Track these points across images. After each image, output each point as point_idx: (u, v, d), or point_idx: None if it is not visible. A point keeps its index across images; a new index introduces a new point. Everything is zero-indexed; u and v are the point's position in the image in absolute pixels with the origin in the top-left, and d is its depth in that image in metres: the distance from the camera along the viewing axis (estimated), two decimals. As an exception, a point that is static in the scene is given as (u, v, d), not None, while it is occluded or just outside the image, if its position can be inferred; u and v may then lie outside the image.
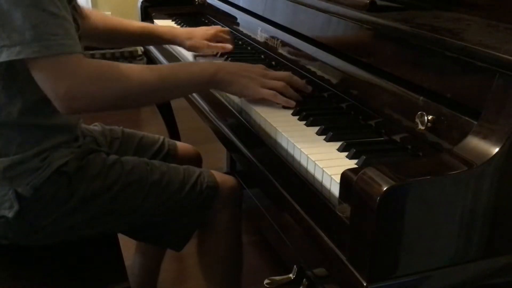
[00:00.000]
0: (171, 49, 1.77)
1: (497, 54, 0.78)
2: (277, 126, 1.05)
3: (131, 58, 3.64)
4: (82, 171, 1.15)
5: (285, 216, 1.00)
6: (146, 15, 2.12)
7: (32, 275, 1.14)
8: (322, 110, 1.15)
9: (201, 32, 1.56)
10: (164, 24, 1.93)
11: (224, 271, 1.38)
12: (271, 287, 1.45)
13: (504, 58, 0.77)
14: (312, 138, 1.02)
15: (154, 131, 1.61)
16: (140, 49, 3.50)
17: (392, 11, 1.11)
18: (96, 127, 1.39)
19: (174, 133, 2.19)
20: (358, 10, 1.12)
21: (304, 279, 1.42)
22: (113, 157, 1.22)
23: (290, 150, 0.99)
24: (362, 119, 1.08)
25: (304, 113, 1.10)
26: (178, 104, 2.12)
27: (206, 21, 2.02)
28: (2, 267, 1.16)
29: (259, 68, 1.21)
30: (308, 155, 0.93)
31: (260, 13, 1.58)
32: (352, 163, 0.91)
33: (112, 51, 3.54)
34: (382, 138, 1.01)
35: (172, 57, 1.73)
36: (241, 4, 1.74)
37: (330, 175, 0.86)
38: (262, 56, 1.51)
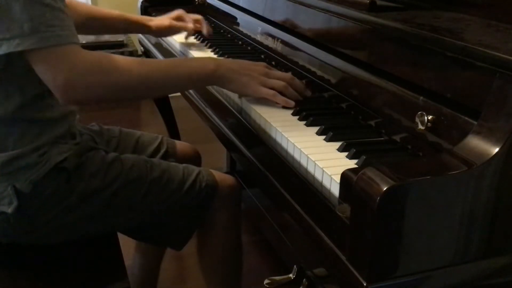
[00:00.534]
0: (169, 48, 1.77)
1: (497, 54, 0.78)
2: (277, 126, 1.05)
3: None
4: (82, 168, 1.15)
5: (285, 216, 1.00)
6: (146, 15, 2.11)
7: (32, 275, 1.14)
8: (322, 110, 1.15)
9: (166, 15, 1.68)
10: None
11: (224, 271, 1.38)
12: (271, 287, 1.45)
13: (504, 58, 0.77)
14: (312, 138, 1.02)
15: (154, 131, 1.61)
16: (140, 49, 3.50)
17: (392, 11, 1.11)
18: (93, 127, 1.39)
19: (174, 133, 2.20)
20: (358, 10, 1.12)
21: (304, 279, 1.42)
22: (112, 154, 1.22)
23: (290, 150, 0.99)
24: (362, 119, 1.08)
25: (304, 113, 1.10)
26: (178, 104, 2.13)
27: (206, 21, 2.01)
28: (2, 267, 1.16)
29: (261, 66, 1.20)
30: (308, 155, 0.93)
31: (260, 13, 1.58)
32: (352, 163, 0.91)
33: (112, 50, 3.53)
34: (382, 138, 1.01)
35: (168, 53, 1.73)
36: (241, 4, 1.74)
37: (330, 175, 0.86)
38: (262, 56, 1.51)
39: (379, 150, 0.96)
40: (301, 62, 1.33)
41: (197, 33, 1.74)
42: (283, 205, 0.97)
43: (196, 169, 1.28)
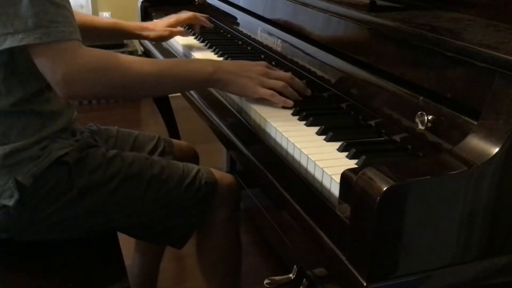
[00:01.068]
0: (170, 48, 1.77)
1: (497, 54, 0.78)
2: (277, 126, 1.05)
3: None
4: (83, 162, 1.16)
5: (285, 216, 1.00)
6: (146, 15, 2.12)
7: (32, 274, 1.14)
8: (322, 110, 1.15)
9: (163, 22, 1.64)
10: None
11: (223, 270, 1.38)
12: (271, 287, 1.45)
13: (504, 58, 0.77)
14: (312, 138, 1.02)
15: (154, 131, 1.61)
16: (140, 49, 3.50)
17: (392, 11, 1.11)
18: (91, 127, 1.40)
19: (174, 133, 2.20)
20: (358, 10, 1.12)
21: (304, 279, 1.42)
22: (113, 151, 1.23)
23: (290, 150, 0.99)
24: (362, 119, 1.08)
25: (304, 113, 1.10)
26: (178, 104, 2.13)
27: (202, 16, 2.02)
28: (2, 265, 1.16)
29: (261, 66, 1.20)
30: (308, 155, 0.93)
31: (260, 13, 1.58)
32: (352, 163, 0.91)
33: (111, 50, 3.53)
34: (382, 138, 1.01)
35: (169, 54, 1.73)
36: (241, 4, 1.74)
37: (330, 175, 0.86)
38: (262, 56, 1.51)
39: (379, 150, 0.96)
40: (301, 62, 1.33)
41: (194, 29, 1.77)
42: (283, 205, 0.97)
43: (195, 167, 1.28)
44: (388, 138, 1.00)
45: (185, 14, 1.69)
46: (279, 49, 1.44)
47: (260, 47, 1.55)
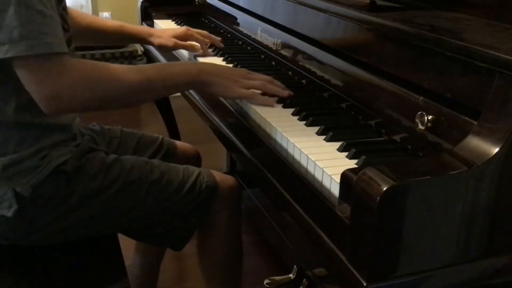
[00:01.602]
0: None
1: (497, 54, 0.78)
2: (277, 126, 1.05)
3: (131, 58, 3.64)
4: (81, 170, 1.15)
5: (285, 216, 1.00)
6: (146, 15, 2.12)
7: (32, 276, 1.14)
8: (322, 110, 1.15)
9: (171, 31, 1.61)
10: (164, 24, 1.94)
11: (224, 271, 1.38)
12: (271, 287, 1.45)
13: (504, 58, 0.77)
14: (312, 138, 1.02)
15: (154, 131, 1.61)
16: (140, 49, 3.50)
17: (392, 11, 1.11)
18: (94, 127, 1.39)
19: (174, 133, 2.19)
20: (358, 10, 1.12)
21: (304, 279, 1.42)
22: (112, 156, 1.22)
23: (290, 150, 0.99)
24: (362, 119, 1.08)
25: (304, 113, 1.10)
26: (178, 104, 2.13)
27: (206, 21, 2.02)
28: (2, 268, 1.16)
29: (242, 71, 1.23)
30: (308, 155, 0.93)
31: (260, 13, 1.58)
32: (352, 163, 0.91)
33: (112, 51, 3.53)
34: (382, 138, 1.01)
35: (172, 57, 1.73)
36: (241, 4, 1.74)
37: (330, 175, 0.86)
38: (262, 56, 1.51)
39: (379, 150, 0.96)
40: (301, 62, 1.33)
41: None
42: (283, 205, 0.97)
43: (196, 170, 1.28)
44: (388, 138, 1.00)
45: (196, 30, 1.63)
46: (279, 49, 1.44)
47: (260, 47, 1.55)
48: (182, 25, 1.89)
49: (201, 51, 1.58)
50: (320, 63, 1.25)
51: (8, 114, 1.09)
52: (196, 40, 1.59)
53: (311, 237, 0.87)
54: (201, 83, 1.18)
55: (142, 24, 2.09)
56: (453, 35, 0.89)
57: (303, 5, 1.34)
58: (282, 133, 1.02)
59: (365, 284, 0.73)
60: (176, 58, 1.71)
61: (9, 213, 1.09)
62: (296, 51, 1.36)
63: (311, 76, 1.28)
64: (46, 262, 1.17)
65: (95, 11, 3.60)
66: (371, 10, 1.10)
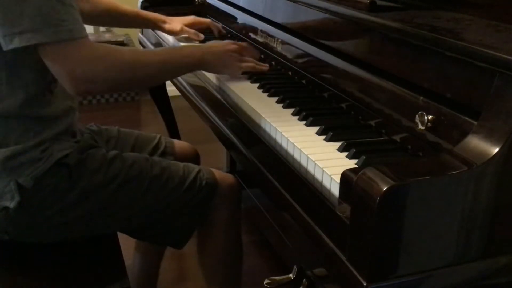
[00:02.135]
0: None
1: (497, 54, 0.78)
2: (277, 126, 1.05)
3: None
4: (83, 164, 1.16)
5: (285, 216, 1.00)
6: (147, 15, 2.11)
7: (32, 275, 1.14)
8: (322, 110, 1.15)
9: (180, 19, 1.76)
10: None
11: (224, 270, 1.38)
12: (271, 287, 1.45)
13: (504, 58, 0.77)
14: (312, 138, 1.02)
15: (154, 131, 1.61)
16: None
17: (392, 11, 1.11)
18: (92, 127, 1.40)
19: (174, 133, 2.19)
20: (358, 10, 1.12)
21: (304, 279, 1.42)
22: (113, 152, 1.23)
23: (290, 150, 0.99)
24: (362, 119, 1.08)
25: (304, 113, 1.10)
26: (178, 104, 2.13)
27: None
28: (2, 266, 1.16)
29: (234, 44, 1.35)
30: (308, 155, 0.93)
31: (260, 13, 1.58)
32: (352, 163, 0.91)
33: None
34: (382, 138, 1.01)
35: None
36: (241, 4, 1.74)
37: (330, 175, 0.86)
38: (262, 56, 1.51)
39: (379, 150, 0.96)
40: (301, 62, 1.33)
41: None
42: (283, 205, 0.97)
43: (196, 168, 1.28)
44: (388, 138, 1.00)
45: (202, 18, 1.81)
46: (279, 49, 1.44)
47: (260, 47, 1.55)
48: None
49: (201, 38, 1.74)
50: (320, 63, 1.25)
51: (12, 107, 1.11)
52: (201, 28, 1.76)
53: (311, 237, 0.87)
54: (205, 63, 1.29)
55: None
56: (453, 35, 0.89)
57: (303, 5, 1.34)
58: (282, 133, 1.03)
59: (365, 284, 0.73)
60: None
61: (11, 205, 1.10)
62: (296, 51, 1.36)
63: (311, 76, 1.28)
64: (46, 262, 1.17)
65: (95, 11, 3.60)
66: (371, 10, 1.10)
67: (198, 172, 1.27)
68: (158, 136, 1.50)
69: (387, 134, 1.01)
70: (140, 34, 2.17)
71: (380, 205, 0.69)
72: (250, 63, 1.35)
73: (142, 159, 1.25)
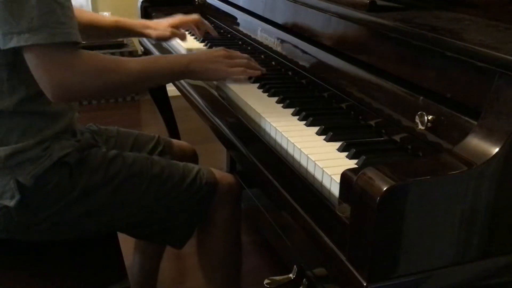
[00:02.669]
0: (170, 49, 1.77)
1: (497, 54, 0.78)
2: (277, 126, 1.05)
3: (131, 57, 3.64)
4: (84, 163, 1.16)
5: (285, 216, 1.00)
6: (146, 15, 2.12)
7: (32, 274, 1.14)
8: (322, 110, 1.15)
9: (167, 21, 1.63)
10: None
11: (224, 269, 1.38)
12: (271, 287, 1.45)
13: (504, 58, 0.77)
14: (312, 138, 1.02)
15: (154, 131, 1.61)
16: (140, 49, 3.50)
17: (392, 11, 1.11)
18: (91, 127, 1.40)
19: (174, 133, 2.19)
20: (358, 10, 1.12)
21: (304, 279, 1.42)
22: (113, 151, 1.24)
23: (290, 150, 0.99)
24: (362, 119, 1.08)
25: (304, 113, 1.10)
26: (178, 104, 2.12)
27: (206, 21, 2.01)
28: (2, 265, 1.16)
29: (222, 50, 1.31)
30: (308, 155, 0.93)
31: (260, 13, 1.58)
32: (352, 163, 0.91)
33: (112, 50, 3.53)
34: (382, 138, 1.01)
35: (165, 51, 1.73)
36: (241, 4, 1.74)
37: (330, 175, 0.86)
38: (262, 56, 1.51)
39: (379, 150, 0.96)
40: (301, 62, 1.33)
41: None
42: (283, 205, 0.97)
43: (196, 167, 1.28)
44: (388, 138, 1.00)
45: (190, 17, 1.67)
46: (279, 49, 1.44)
47: (260, 47, 1.56)
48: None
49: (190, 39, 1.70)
50: (320, 63, 1.25)
51: (13, 104, 1.11)
52: (190, 27, 1.68)
53: (311, 237, 0.87)
54: (192, 72, 1.26)
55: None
56: (453, 35, 0.89)
57: (303, 5, 1.34)
58: (282, 133, 1.02)
59: (365, 284, 0.73)
60: (170, 53, 1.73)
61: (11, 203, 1.10)
62: (296, 51, 1.36)
63: (311, 76, 1.28)
64: (46, 262, 1.17)
65: (95, 11, 3.60)
66: (371, 10, 1.10)
67: (198, 171, 1.27)
68: (157, 136, 1.50)
69: (387, 134, 1.01)
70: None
71: (380, 205, 0.69)
72: (240, 68, 1.31)
73: (142, 158, 1.25)
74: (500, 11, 0.99)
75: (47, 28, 1.00)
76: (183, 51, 1.66)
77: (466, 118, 0.83)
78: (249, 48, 1.62)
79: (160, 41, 1.71)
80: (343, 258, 0.78)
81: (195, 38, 1.75)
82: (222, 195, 1.28)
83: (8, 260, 1.18)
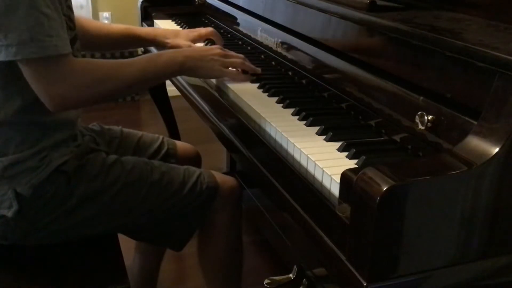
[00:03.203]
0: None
1: (497, 54, 0.78)
2: (277, 126, 1.05)
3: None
4: (82, 170, 1.15)
5: (285, 216, 1.00)
6: (146, 15, 2.12)
7: (32, 276, 1.14)
8: (322, 110, 1.15)
9: (185, 33, 1.56)
10: (164, 24, 1.94)
11: (224, 271, 1.38)
12: (271, 287, 1.45)
13: (504, 58, 0.77)
14: (312, 138, 1.02)
15: (154, 131, 1.61)
16: (140, 50, 3.50)
17: (392, 11, 1.11)
18: (94, 127, 1.40)
19: (174, 133, 2.19)
20: (358, 10, 1.12)
21: (304, 279, 1.42)
22: (112, 156, 1.23)
23: (290, 150, 0.99)
24: (362, 119, 1.08)
25: (304, 113, 1.10)
26: (178, 104, 2.13)
27: (206, 21, 2.02)
28: (2, 268, 1.16)
29: (217, 49, 1.30)
30: (308, 155, 0.93)
31: (260, 13, 1.58)
32: (352, 163, 0.91)
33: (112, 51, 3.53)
34: (382, 138, 1.01)
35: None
36: (241, 4, 1.74)
37: (330, 175, 0.86)
38: (262, 56, 1.51)
39: (379, 150, 0.96)
40: (301, 62, 1.33)
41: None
42: (283, 205, 0.97)
43: (197, 171, 1.28)
44: (388, 138, 1.00)
45: (205, 29, 1.58)
46: (279, 49, 1.44)
47: (260, 47, 1.55)
48: (182, 25, 1.90)
49: None
50: (320, 63, 1.25)
51: (10, 114, 1.10)
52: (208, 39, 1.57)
53: (311, 237, 0.87)
54: (187, 69, 1.25)
55: (142, 25, 2.09)
56: (453, 35, 0.89)
57: (303, 5, 1.33)
58: (282, 133, 1.02)
59: (365, 284, 0.73)
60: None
61: (9, 213, 1.09)
62: (296, 51, 1.36)
63: (311, 76, 1.28)
64: (46, 263, 1.17)
65: (95, 11, 3.60)
66: (371, 10, 1.10)
67: (199, 175, 1.26)
68: (161, 137, 1.49)
69: (387, 134, 1.01)
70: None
71: (380, 205, 0.69)
72: (234, 70, 1.30)
73: (142, 163, 1.24)
74: (500, 11, 0.99)
75: (36, 41, 1.00)
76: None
77: (466, 118, 0.83)
78: (249, 48, 1.62)
79: None
80: (343, 258, 0.78)
81: None
82: (223, 199, 1.28)
83: (8, 260, 1.18)
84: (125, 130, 1.46)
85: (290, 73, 1.37)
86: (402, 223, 0.72)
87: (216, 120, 1.32)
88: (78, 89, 1.07)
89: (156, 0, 2.13)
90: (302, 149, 0.95)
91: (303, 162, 0.94)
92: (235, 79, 1.30)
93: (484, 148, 0.75)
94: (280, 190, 0.98)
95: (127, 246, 1.42)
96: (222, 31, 1.85)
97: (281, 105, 1.18)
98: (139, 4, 2.13)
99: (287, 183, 0.98)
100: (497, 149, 0.74)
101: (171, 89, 1.99)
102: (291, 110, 1.14)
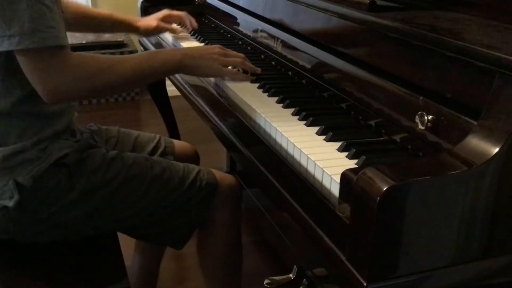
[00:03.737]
0: (168, 47, 1.77)
1: (497, 54, 0.78)
2: (277, 126, 1.05)
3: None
4: (83, 164, 1.16)
5: (285, 216, 1.00)
6: (146, 15, 2.11)
7: (32, 275, 1.14)
8: (322, 110, 1.15)
9: (153, 15, 1.72)
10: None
11: (224, 270, 1.38)
12: (271, 287, 1.45)
13: (504, 58, 0.77)
14: (312, 138, 1.02)
15: (154, 131, 1.61)
16: (140, 49, 3.50)
17: (392, 11, 1.11)
18: (92, 127, 1.40)
19: (174, 133, 2.20)
20: (358, 10, 1.12)
21: (304, 279, 1.42)
22: (113, 152, 1.24)
23: (290, 150, 0.99)
24: (362, 119, 1.08)
25: (304, 113, 1.10)
26: (178, 104, 2.13)
27: (206, 21, 2.02)
28: (2, 266, 1.16)
29: (218, 48, 1.30)
30: (308, 155, 0.93)
31: (260, 13, 1.58)
32: (352, 163, 0.91)
33: (112, 50, 3.53)
34: (382, 138, 1.01)
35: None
36: (241, 4, 1.74)
37: (330, 175, 0.86)
38: (262, 56, 1.51)
39: (379, 150, 0.96)
40: (301, 62, 1.33)
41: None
42: (283, 205, 0.97)
43: (196, 168, 1.28)
44: (388, 138, 1.00)
45: (176, 11, 1.75)
46: (279, 49, 1.44)
47: (260, 47, 1.56)
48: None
49: (181, 33, 1.75)
50: (320, 63, 1.25)
51: (11, 104, 1.11)
52: (178, 20, 1.74)
53: (311, 237, 0.87)
54: (185, 67, 1.25)
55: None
56: (453, 35, 0.89)
57: (303, 5, 1.34)
58: (282, 133, 1.02)
59: (365, 284, 0.73)
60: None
61: (10, 204, 1.10)
62: (296, 51, 1.36)
63: (311, 76, 1.28)
64: (46, 262, 1.17)
65: (95, 11, 3.60)
66: (371, 10, 1.10)
67: (198, 172, 1.27)
68: (158, 136, 1.50)
69: (387, 134, 1.01)
70: (140, 34, 2.17)
71: (380, 205, 0.69)
72: (233, 70, 1.30)
73: (142, 159, 1.25)
74: (500, 11, 0.99)
75: (38, 32, 1.01)
76: (169, 38, 1.74)
77: (466, 118, 0.83)
78: (249, 48, 1.62)
79: (149, 35, 1.77)
80: (343, 258, 0.78)
81: (195, 38, 1.75)
82: (222, 196, 1.28)
83: (8, 260, 1.18)
84: (122, 129, 1.46)
85: (290, 73, 1.38)
86: (402, 223, 0.72)
87: (216, 120, 1.32)
88: (75, 81, 1.08)
89: (156, 0, 2.13)
90: (302, 149, 0.95)
91: (303, 162, 0.94)
92: (235, 79, 1.30)
93: (484, 148, 0.75)
94: (280, 190, 0.99)
95: (127, 245, 1.43)
96: (222, 31, 1.85)
97: (281, 105, 1.18)
98: (139, 4, 2.13)
99: (287, 183, 0.98)
100: (497, 149, 0.74)
101: (171, 89, 1.99)
102: (291, 110, 1.14)
